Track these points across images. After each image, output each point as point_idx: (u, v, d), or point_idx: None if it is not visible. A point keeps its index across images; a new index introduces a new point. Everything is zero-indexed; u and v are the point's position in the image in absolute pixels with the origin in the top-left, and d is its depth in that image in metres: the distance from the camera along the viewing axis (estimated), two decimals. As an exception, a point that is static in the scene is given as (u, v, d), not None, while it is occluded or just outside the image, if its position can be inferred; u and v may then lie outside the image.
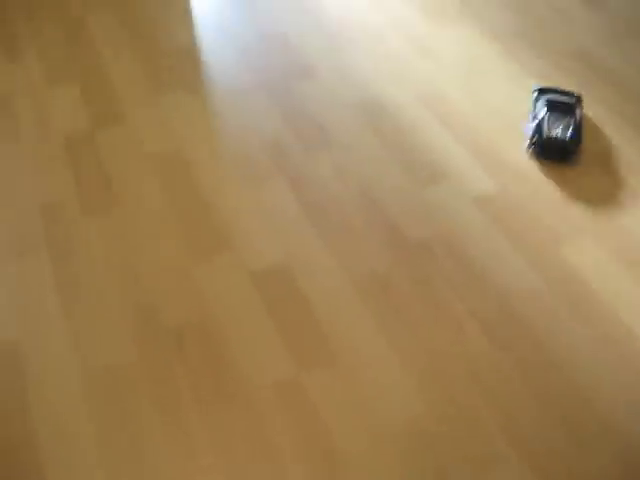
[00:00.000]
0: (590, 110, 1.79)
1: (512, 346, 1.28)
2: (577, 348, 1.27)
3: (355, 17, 2.13)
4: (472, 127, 1.74)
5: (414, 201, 1.55)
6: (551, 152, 1.63)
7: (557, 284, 1.38)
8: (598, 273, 1.40)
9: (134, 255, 1.43)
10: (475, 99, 1.82)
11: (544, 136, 1.63)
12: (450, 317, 1.32)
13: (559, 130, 1.63)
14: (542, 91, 1.77)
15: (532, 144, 1.65)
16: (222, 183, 1.58)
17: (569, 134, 1.62)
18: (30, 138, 1.72)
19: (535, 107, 1.73)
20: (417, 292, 1.36)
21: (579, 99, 1.74)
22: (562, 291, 1.37)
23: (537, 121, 1.66)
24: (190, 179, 1.59)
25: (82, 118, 1.76)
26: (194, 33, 2.06)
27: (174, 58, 1.95)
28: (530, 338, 1.29)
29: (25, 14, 2.17)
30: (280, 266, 1.41)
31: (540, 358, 1.26)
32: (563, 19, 2.16)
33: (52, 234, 1.48)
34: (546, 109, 1.68)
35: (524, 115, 1.76)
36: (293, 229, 1.48)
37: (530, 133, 1.66)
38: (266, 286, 1.38)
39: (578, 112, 1.69)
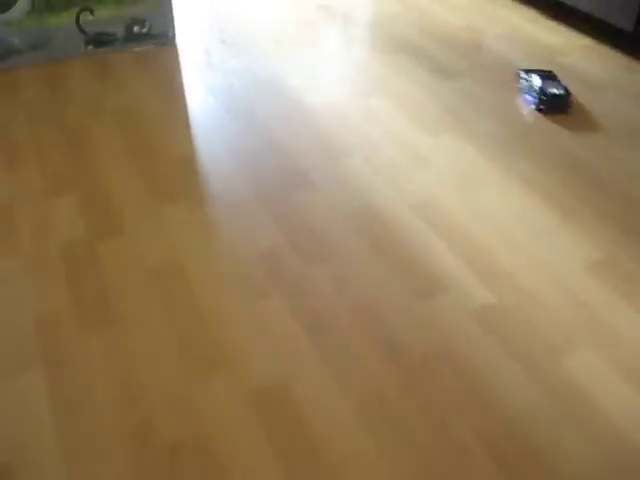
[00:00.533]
0: (588, 221, 1.82)
1: (521, 469, 1.26)
2: (588, 474, 1.25)
3: (351, 127, 2.19)
4: (468, 236, 1.76)
5: (413, 315, 1.55)
6: (554, 106, 2.32)
7: (560, 398, 1.37)
8: (600, 386, 1.39)
9: (132, 373, 1.41)
10: (469, 207, 1.86)
11: (549, 94, 2.32)
12: (454, 437, 1.30)
13: (554, 89, 2.33)
14: (527, 71, 2.45)
15: (540, 104, 2.32)
16: (220, 298, 1.58)
17: (563, 90, 2.33)
18: (28, 249, 1.72)
19: (528, 82, 2.41)
20: (418, 412, 1.35)
21: (553, 72, 2.48)
22: (568, 408, 1.35)
23: (539, 86, 2.35)
24: (189, 293, 1.59)
25: (81, 229, 1.78)
26: (193, 143, 2.10)
27: (173, 168, 1.99)
28: (538, 461, 1.27)
29: (25, 121, 2.22)
30: (278, 384, 1.40)
31: (545, 481, 1.24)
32: (551, 129, 2.23)
33: (48, 350, 1.46)
34: (539, 78, 2.39)
35: (515, 221, 1.79)
36: (291, 345, 1.48)
37: (533, 99, 2.36)
38: (263, 405, 1.36)
39: (558, 79, 2.44)
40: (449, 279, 1.64)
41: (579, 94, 2.41)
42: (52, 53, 2.59)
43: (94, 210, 1.84)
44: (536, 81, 2.38)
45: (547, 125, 2.23)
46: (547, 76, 2.43)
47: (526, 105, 2.36)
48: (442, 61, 2.62)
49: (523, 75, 2.44)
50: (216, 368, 1.43)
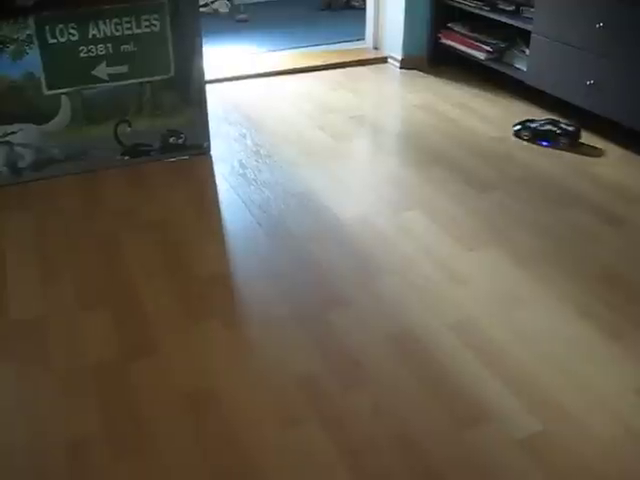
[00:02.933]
0: (634, 339, 1.76)
1: None
2: None
3: (386, 243, 2.18)
4: (510, 359, 1.70)
5: (454, 444, 1.48)
6: (570, 139, 2.83)
7: None
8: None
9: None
10: (510, 327, 1.81)
11: (563, 129, 2.83)
12: None
13: (564, 126, 2.85)
14: (523, 123, 2.94)
15: (556, 139, 2.83)
16: (255, 422, 1.53)
17: (572, 127, 2.85)
18: (60, 366, 1.69)
19: (534, 131, 2.88)
20: None
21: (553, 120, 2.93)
22: None
23: (549, 126, 2.86)
24: (222, 417, 1.54)
25: (113, 346, 1.75)
26: (227, 259, 2.09)
27: (207, 285, 1.97)
28: None
29: (61, 232, 2.23)
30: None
31: None
32: (585, 238, 2.19)
33: (77, 478, 1.41)
34: (545, 122, 2.89)
35: (560, 343, 1.73)
36: (327, 475, 1.41)
37: (548, 142, 2.84)
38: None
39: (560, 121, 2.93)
40: (492, 405, 1.57)
41: (616, 206, 2.39)
42: (90, 163, 2.64)
43: (126, 325, 1.82)
44: (545, 125, 2.84)
45: (589, 240, 2.19)
46: (550, 121, 2.86)
47: (544, 147, 2.80)
48: (476, 173, 2.62)
49: (520, 128, 2.91)
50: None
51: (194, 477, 1.41)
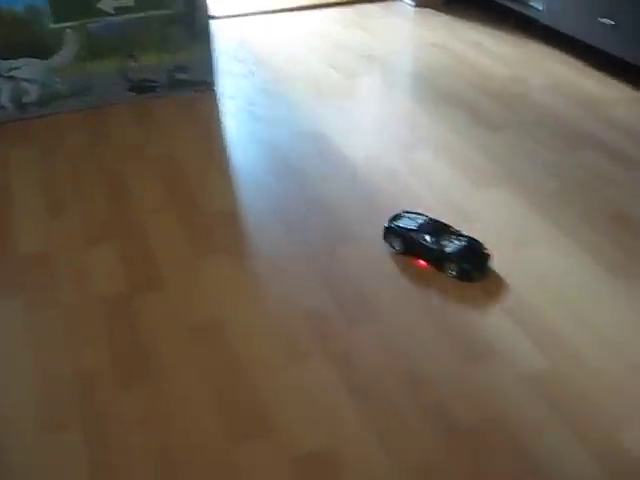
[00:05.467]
0: (633, 275, 1.74)
1: None
2: None
3: (396, 182, 2.14)
4: (519, 297, 1.69)
5: (463, 381, 1.48)
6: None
7: (617, 474, 1.28)
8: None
9: (170, 436, 1.36)
10: (520, 266, 1.79)
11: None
12: (508, 519, 1.22)
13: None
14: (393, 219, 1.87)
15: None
16: (263, 359, 1.53)
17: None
18: (67, 300, 1.69)
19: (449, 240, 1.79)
20: (470, 486, 1.27)
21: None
22: (628, 490, 1.27)
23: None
24: (230, 353, 1.54)
25: (120, 282, 1.74)
26: (235, 196, 2.07)
27: (215, 220, 1.95)
28: None
29: (67, 167, 2.21)
30: (321, 452, 1.33)
31: None
32: (599, 180, 2.16)
33: (86, 408, 1.41)
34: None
35: (569, 282, 1.72)
36: (336, 411, 1.41)
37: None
38: (308, 474, 1.29)
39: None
40: (501, 342, 1.56)
41: (631, 148, 2.34)
42: (95, 99, 2.60)
43: (133, 261, 1.81)
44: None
45: (603, 181, 2.16)
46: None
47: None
48: (488, 113, 2.57)
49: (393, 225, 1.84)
50: (258, 434, 1.36)
51: (201, 409, 1.41)
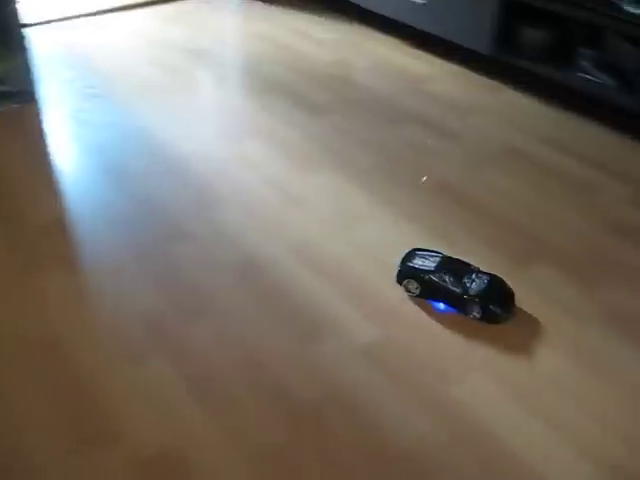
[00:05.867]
0: (457, 241, 1.86)
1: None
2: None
3: (226, 174, 2.16)
4: (348, 274, 1.76)
5: (299, 360, 1.53)
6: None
7: (454, 426, 1.37)
8: (492, 411, 1.41)
9: (19, 453, 1.32)
10: (349, 244, 1.86)
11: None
12: (348, 485, 1.28)
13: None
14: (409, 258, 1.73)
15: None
16: (100, 368, 1.51)
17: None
18: None
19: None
20: (313, 460, 1.32)
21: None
22: (461, 434, 1.36)
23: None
24: (66, 365, 1.50)
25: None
26: (64, 206, 2.02)
27: (43, 234, 1.90)
28: (430, 497, 1.26)
29: None
30: (165, 452, 1.33)
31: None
32: (418, 152, 2.27)
33: None
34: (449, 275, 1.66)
35: (398, 255, 1.81)
36: (176, 407, 1.42)
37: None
38: (151, 473, 1.29)
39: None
40: (334, 319, 1.63)
41: (447, 119, 2.48)
42: None
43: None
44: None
45: (424, 154, 2.27)
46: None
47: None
48: (313, 98, 2.64)
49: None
50: (100, 442, 1.35)
51: (43, 425, 1.38)
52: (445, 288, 1.63)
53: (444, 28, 2.82)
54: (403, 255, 1.75)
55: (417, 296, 1.68)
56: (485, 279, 1.65)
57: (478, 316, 1.61)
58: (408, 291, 1.69)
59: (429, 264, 1.68)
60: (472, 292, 1.61)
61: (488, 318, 1.61)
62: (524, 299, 1.68)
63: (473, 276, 1.64)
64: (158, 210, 2.00)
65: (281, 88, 2.72)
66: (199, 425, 1.39)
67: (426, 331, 1.60)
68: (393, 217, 1.97)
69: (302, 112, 2.53)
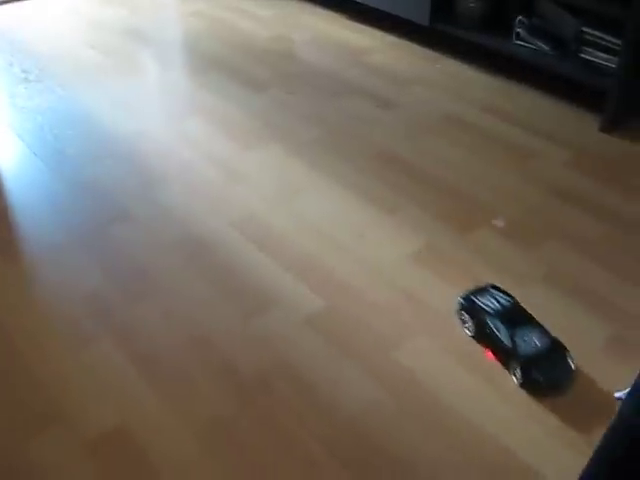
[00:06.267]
0: (400, 208, 1.88)
1: (367, 468, 1.27)
2: (413, 447, 1.29)
3: (167, 153, 2.15)
4: (291, 246, 1.77)
5: (245, 335, 1.54)
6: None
7: (398, 391, 1.40)
8: (435, 373, 1.44)
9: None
10: (290, 217, 1.87)
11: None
12: (300, 450, 1.30)
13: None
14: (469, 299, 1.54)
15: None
16: (45, 350, 1.50)
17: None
18: None
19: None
20: (262, 431, 1.33)
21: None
22: (406, 399, 1.39)
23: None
24: (12, 352, 1.50)
25: None
26: (2, 195, 1.98)
27: (-21, 222, 1.87)
28: (382, 453, 1.29)
29: None
30: (116, 430, 1.34)
31: (382, 462, 1.26)
32: (361, 124, 2.28)
33: None
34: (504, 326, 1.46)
35: (338, 224, 1.82)
36: (125, 387, 1.42)
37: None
38: (103, 453, 1.30)
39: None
40: (278, 291, 1.64)
41: (389, 91, 2.49)
42: None
43: None
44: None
45: (365, 125, 2.28)
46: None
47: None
48: (254, 74, 2.63)
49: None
50: (50, 424, 1.35)
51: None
52: (495, 337, 1.46)
53: (383, 0, 2.82)
54: (475, 287, 1.58)
55: (472, 337, 1.52)
56: (545, 342, 1.43)
57: (521, 381, 1.41)
58: (465, 328, 1.54)
59: (492, 305, 1.50)
60: (520, 350, 1.42)
61: (528, 385, 1.40)
62: (470, 263, 1.71)
63: (533, 334, 1.44)
64: (101, 193, 1.98)
65: (220, 65, 2.70)
66: (149, 404, 1.39)
67: (369, 301, 1.62)
68: (336, 189, 1.98)
69: (242, 88, 2.52)
